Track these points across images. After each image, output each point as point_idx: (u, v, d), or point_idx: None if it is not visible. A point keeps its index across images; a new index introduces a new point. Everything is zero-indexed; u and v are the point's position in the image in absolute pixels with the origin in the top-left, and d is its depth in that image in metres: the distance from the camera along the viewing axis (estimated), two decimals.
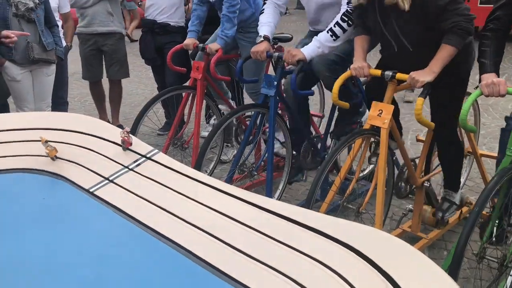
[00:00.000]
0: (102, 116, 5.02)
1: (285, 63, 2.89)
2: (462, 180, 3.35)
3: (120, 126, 4.89)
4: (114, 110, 5.07)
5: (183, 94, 3.61)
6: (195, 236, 1.53)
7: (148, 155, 1.96)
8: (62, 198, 1.90)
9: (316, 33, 2.99)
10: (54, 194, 1.93)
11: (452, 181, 2.88)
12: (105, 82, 5.08)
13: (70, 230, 1.67)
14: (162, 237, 1.55)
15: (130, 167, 1.93)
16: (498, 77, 2.17)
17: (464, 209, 3.19)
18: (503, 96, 2.09)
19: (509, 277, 2.27)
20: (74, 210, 1.82)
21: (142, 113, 3.32)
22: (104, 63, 4.86)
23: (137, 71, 8.14)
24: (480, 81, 2.22)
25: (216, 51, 3.34)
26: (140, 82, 7.60)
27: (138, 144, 2.05)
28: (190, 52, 3.71)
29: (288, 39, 3.70)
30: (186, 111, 3.73)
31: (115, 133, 2.05)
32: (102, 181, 1.90)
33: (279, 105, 3.18)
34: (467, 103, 2.08)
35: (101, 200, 1.79)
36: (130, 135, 2.00)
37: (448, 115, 2.54)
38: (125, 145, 1.99)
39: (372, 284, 1.17)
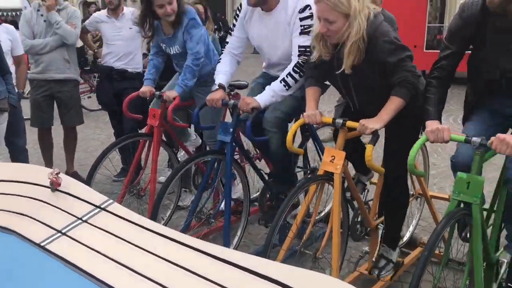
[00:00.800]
0: (48, 165, 4.89)
1: (240, 111, 2.96)
2: (414, 221, 3.45)
3: (75, 173, 4.81)
4: (69, 157, 4.97)
5: (140, 141, 3.59)
6: None
7: (102, 206, 1.93)
8: (12, 253, 1.83)
9: (269, 75, 3.14)
10: (2, 249, 1.86)
11: (391, 236, 2.92)
12: (55, 129, 4.99)
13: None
14: None
15: (84, 218, 1.89)
16: (441, 123, 2.31)
17: (418, 249, 3.29)
18: (446, 142, 2.22)
19: None
20: (25, 266, 1.76)
21: (98, 162, 3.27)
22: (58, 110, 4.78)
23: (93, 115, 8.06)
24: (423, 127, 2.35)
25: (174, 98, 3.37)
26: (97, 126, 7.51)
27: (93, 194, 2.01)
28: (148, 98, 3.73)
29: (244, 86, 3.80)
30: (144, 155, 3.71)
31: (67, 182, 2.01)
32: (54, 234, 1.85)
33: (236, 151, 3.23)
34: (414, 148, 2.18)
35: (54, 255, 1.74)
36: (60, 175, 1.97)
37: (398, 162, 2.64)
38: (54, 186, 1.95)
39: None
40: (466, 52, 2.47)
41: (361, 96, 2.63)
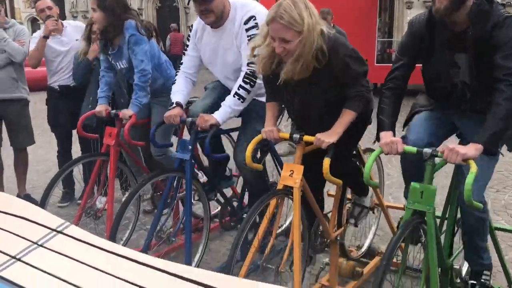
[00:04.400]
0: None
1: (198, 128, 2.95)
2: (372, 232, 3.53)
3: (28, 196, 4.64)
4: (20, 179, 4.79)
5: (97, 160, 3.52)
6: None
7: (59, 229, 1.88)
8: None
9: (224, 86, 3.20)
10: None
11: (358, 188, 3.06)
12: (5, 150, 4.80)
13: None
14: None
15: (40, 242, 1.83)
16: (394, 135, 2.39)
17: (377, 259, 3.36)
18: (400, 154, 2.30)
19: None
20: None
21: (52, 183, 3.18)
22: (7, 131, 4.61)
23: (46, 135, 7.79)
24: (378, 137, 2.43)
25: (130, 117, 3.33)
26: (50, 146, 7.26)
27: (48, 217, 1.95)
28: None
29: None
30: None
31: (18, 205, 1.94)
32: (8, 260, 1.78)
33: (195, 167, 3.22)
34: (369, 161, 2.25)
35: (9, 282, 1.68)
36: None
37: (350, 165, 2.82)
38: None
39: None
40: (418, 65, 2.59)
41: (306, 112, 2.62)
